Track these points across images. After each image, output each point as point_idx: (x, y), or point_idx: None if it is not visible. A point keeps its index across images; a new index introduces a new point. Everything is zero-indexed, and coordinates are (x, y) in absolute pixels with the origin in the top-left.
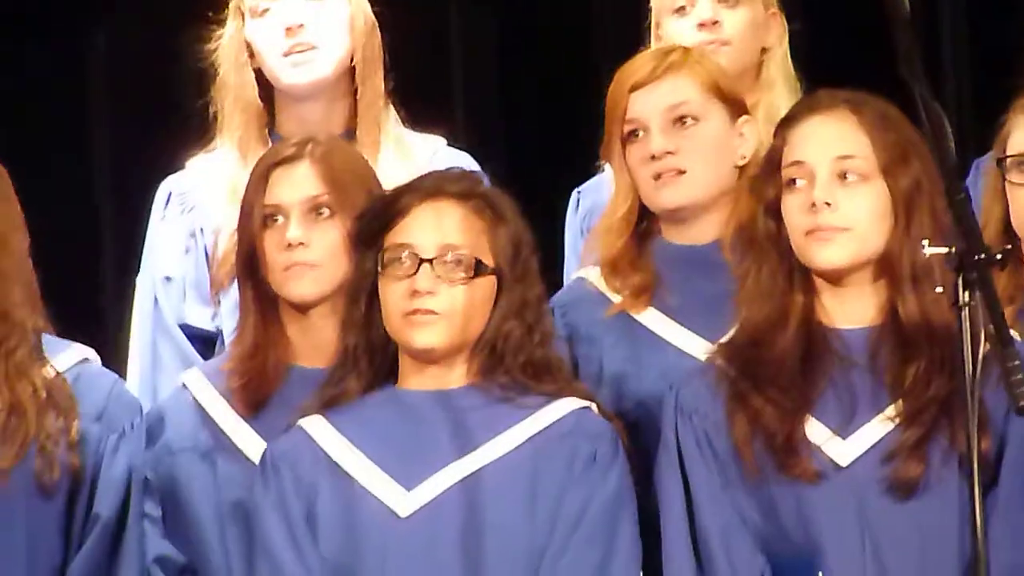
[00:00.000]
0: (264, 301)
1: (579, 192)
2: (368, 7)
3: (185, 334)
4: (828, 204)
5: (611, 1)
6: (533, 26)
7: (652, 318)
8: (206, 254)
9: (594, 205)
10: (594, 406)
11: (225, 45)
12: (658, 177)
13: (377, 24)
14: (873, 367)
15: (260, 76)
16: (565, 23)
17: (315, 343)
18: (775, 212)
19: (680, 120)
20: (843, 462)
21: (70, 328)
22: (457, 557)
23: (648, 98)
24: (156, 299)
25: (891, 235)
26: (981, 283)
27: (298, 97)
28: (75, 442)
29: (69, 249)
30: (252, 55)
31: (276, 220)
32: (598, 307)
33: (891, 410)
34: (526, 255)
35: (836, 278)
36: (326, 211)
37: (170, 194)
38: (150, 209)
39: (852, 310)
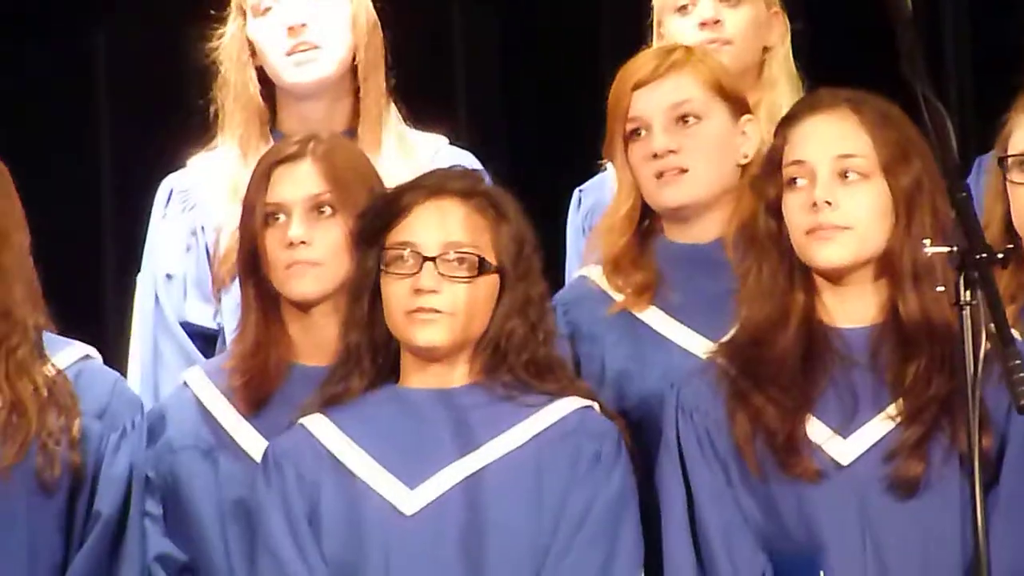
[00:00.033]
0: (266, 299)
1: (581, 191)
2: (370, 5)
3: (186, 332)
4: (829, 203)
5: (612, 0)
6: (534, 26)
7: (654, 317)
8: (207, 252)
9: (596, 204)
10: (596, 405)
11: (227, 43)
12: (660, 176)
13: (379, 22)
14: (874, 366)
15: (262, 74)
16: (567, 23)
17: (317, 341)
18: (776, 211)
19: (682, 119)
20: (844, 461)
21: (71, 327)
22: (461, 555)
23: (651, 97)
24: (157, 297)
25: (892, 234)
26: (983, 282)
27: (300, 96)
28: (76, 440)
29: (70, 248)
30: (254, 53)
31: (278, 218)
32: (600, 305)
33: (892, 409)
34: (528, 253)
35: (837, 277)
36: (328, 209)
37: (171, 192)
38: (151, 208)
39: (853, 309)
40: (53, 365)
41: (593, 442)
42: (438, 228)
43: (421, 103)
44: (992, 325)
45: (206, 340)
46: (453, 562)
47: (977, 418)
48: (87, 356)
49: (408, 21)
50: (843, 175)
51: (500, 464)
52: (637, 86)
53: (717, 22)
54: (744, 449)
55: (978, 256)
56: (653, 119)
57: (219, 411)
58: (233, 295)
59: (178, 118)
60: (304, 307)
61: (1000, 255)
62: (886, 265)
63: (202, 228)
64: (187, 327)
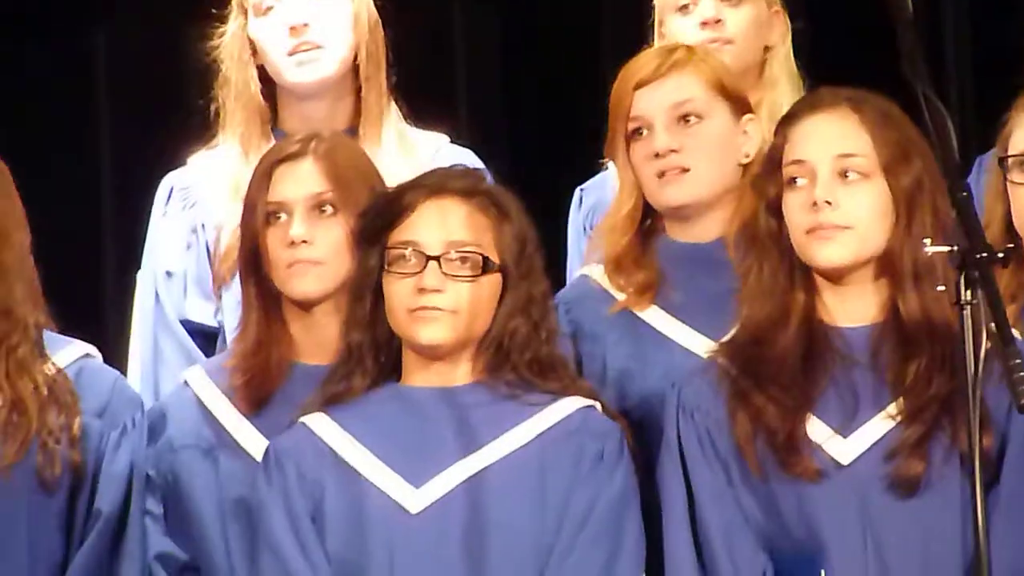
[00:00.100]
0: (267, 298)
1: (582, 190)
2: (371, 4)
3: (186, 329)
4: (829, 203)
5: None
6: (535, 24)
7: (656, 316)
8: (208, 250)
9: (597, 203)
10: (599, 405)
11: (228, 42)
12: (662, 175)
13: (380, 21)
14: (874, 365)
15: (262, 73)
16: (567, 22)
17: (318, 340)
18: (776, 210)
19: (684, 118)
20: (844, 460)
21: (72, 326)
22: (464, 554)
23: (652, 96)
24: (157, 295)
25: (892, 233)
26: (983, 281)
27: (302, 95)
28: (77, 438)
29: (70, 248)
30: (255, 52)
31: (279, 217)
32: (602, 304)
33: (892, 408)
34: (531, 252)
35: (837, 276)
36: (330, 208)
37: (172, 190)
38: (151, 207)
39: (853, 308)
40: (53, 364)
41: (596, 442)
42: (441, 227)
43: (422, 102)
44: (992, 324)
45: (206, 338)
46: (457, 561)
47: (978, 417)
48: (87, 355)
49: (409, 20)
50: (843, 174)
51: (503, 463)
52: (639, 85)
53: (718, 21)
54: (745, 448)
55: (978, 255)
56: (655, 118)
57: (220, 410)
58: (233, 293)
59: (178, 118)
60: (305, 306)
61: (1000, 255)
62: (886, 264)
63: (203, 226)
64: (187, 325)
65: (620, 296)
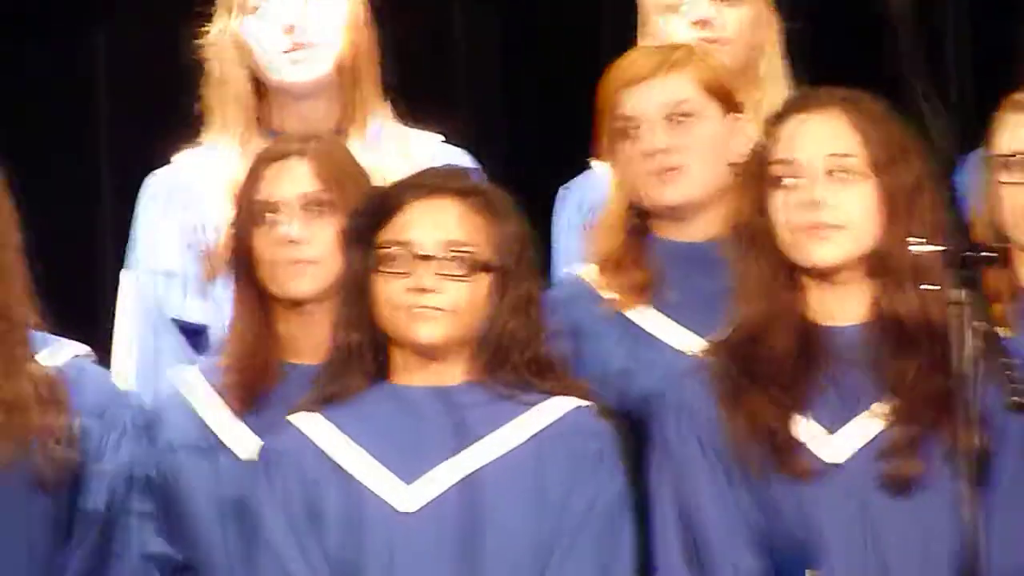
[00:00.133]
0: (258, 298)
1: (566, 188)
2: (364, 2)
3: (181, 329)
4: (821, 202)
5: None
6: (535, 24)
7: (648, 316)
8: (202, 249)
9: (581, 201)
10: (594, 405)
11: (215, 41)
12: (652, 174)
13: (372, 19)
14: (866, 364)
15: (251, 72)
16: (567, 21)
17: (310, 340)
18: (765, 209)
19: (676, 117)
20: (838, 459)
21: (71, 326)
22: (460, 553)
23: (644, 95)
24: (154, 295)
25: (883, 232)
26: (972, 281)
27: (294, 94)
28: (73, 438)
29: (69, 249)
30: (244, 51)
31: (271, 217)
32: (592, 304)
33: (885, 407)
34: (525, 251)
35: (827, 276)
36: (322, 208)
37: (166, 188)
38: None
39: (844, 307)
40: (48, 363)
41: (592, 441)
42: (435, 227)
43: (422, 101)
44: (982, 323)
45: (202, 337)
46: (452, 560)
47: (969, 416)
48: (82, 355)
49: (409, 19)
50: (833, 174)
51: (500, 462)
52: (630, 85)
53: (710, 21)
54: (739, 448)
55: (968, 254)
56: (647, 118)
57: (214, 410)
58: (224, 291)
59: (177, 119)
60: (297, 306)
61: (989, 254)
62: (876, 263)
63: (203, 226)
64: (182, 324)
65: (611, 296)
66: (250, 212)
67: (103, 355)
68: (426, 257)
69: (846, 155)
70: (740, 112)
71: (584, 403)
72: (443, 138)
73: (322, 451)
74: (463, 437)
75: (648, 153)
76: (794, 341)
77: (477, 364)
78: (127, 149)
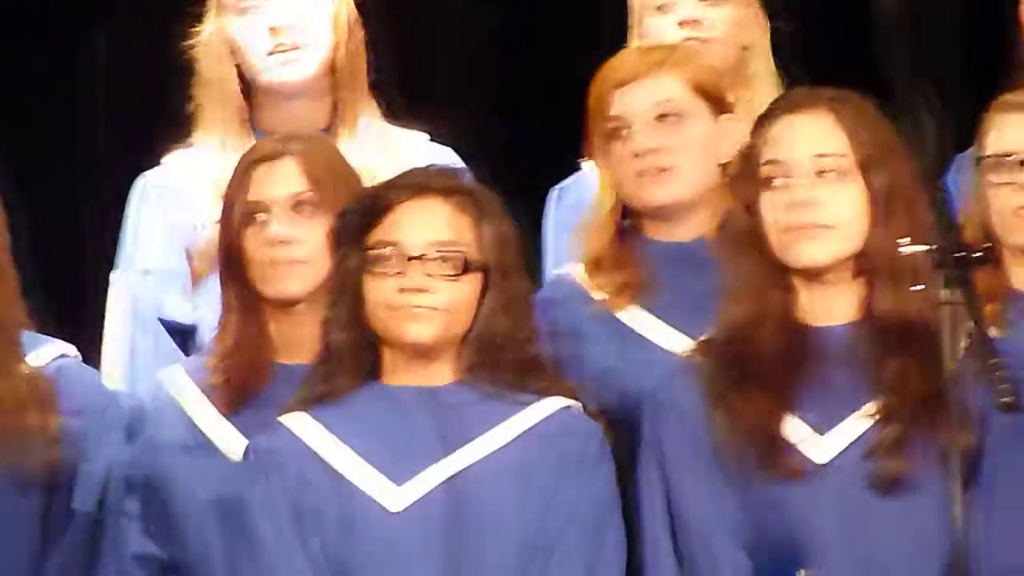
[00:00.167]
0: (246, 298)
1: (559, 189)
2: (351, 3)
3: (171, 329)
4: (809, 202)
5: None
6: (534, 24)
7: (636, 316)
8: (192, 249)
9: (575, 202)
10: (584, 405)
11: (205, 41)
12: (643, 175)
13: (360, 20)
14: (853, 364)
15: (240, 72)
16: (567, 21)
17: (298, 340)
18: (753, 210)
19: (664, 117)
20: (824, 459)
21: (70, 326)
22: (447, 553)
23: (633, 95)
24: (143, 295)
25: (871, 232)
26: (961, 281)
27: (282, 95)
28: (56, 438)
29: (69, 249)
30: (233, 51)
31: (259, 217)
32: (581, 304)
33: (872, 407)
34: (512, 251)
35: (816, 275)
36: (310, 208)
37: (156, 188)
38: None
39: (832, 307)
40: (34, 363)
41: (579, 441)
42: (423, 227)
43: (413, 100)
44: (972, 324)
45: (187, 336)
46: (439, 560)
47: (959, 416)
48: (67, 354)
49: (408, 19)
50: (822, 174)
51: (486, 462)
52: (619, 85)
53: (697, 21)
54: (728, 448)
55: (956, 255)
56: (635, 118)
57: (200, 409)
58: (211, 291)
59: (177, 119)
60: (285, 306)
61: (978, 254)
62: (865, 263)
63: (195, 226)
64: (168, 323)
65: (599, 296)
66: (240, 212)
67: (97, 355)
68: (416, 257)
69: (834, 155)
70: (730, 112)
71: (573, 403)
72: (429, 137)
73: (312, 451)
74: (452, 437)
75: (638, 153)
76: (783, 341)
77: (467, 364)
78: (127, 149)
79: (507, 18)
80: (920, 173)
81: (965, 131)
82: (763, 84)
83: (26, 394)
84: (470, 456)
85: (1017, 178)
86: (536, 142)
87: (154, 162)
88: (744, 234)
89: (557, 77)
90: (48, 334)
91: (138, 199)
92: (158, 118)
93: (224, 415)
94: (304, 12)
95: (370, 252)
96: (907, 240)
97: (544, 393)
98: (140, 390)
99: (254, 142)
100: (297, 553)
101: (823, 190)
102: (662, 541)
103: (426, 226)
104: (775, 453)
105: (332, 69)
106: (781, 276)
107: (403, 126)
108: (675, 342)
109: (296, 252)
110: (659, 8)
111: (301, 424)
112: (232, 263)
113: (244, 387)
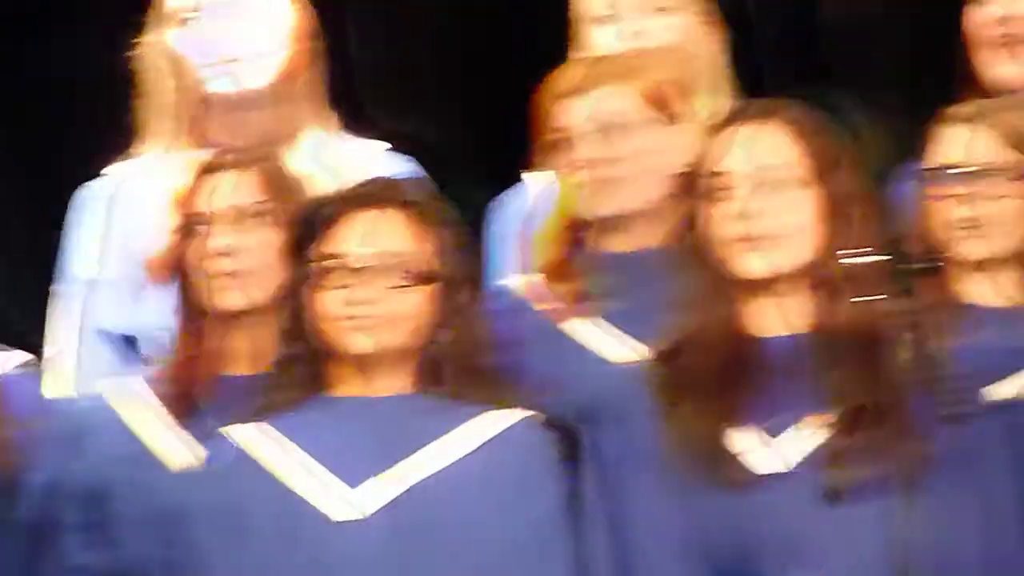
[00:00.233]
0: (192, 309)
1: (500, 200)
2: (303, 14)
3: (112, 338)
4: (755, 213)
5: None
6: (486, 34)
7: (587, 326)
8: (135, 259)
9: (514, 213)
10: (530, 415)
11: (148, 52)
12: (589, 186)
13: (313, 30)
14: (801, 375)
15: (187, 83)
16: (516, 32)
17: (247, 351)
18: (701, 221)
19: (613, 128)
20: (772, 470)
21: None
22: (398, 566)
23: (579, 106)
24: (86, 305)
25: (819, 243)
26: (909, 292)
27: (229, 105)
28: (3, 449)
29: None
30: (176, 62)
31: (206, 228)
32: (531, 315)
33: (819, 418)
34: (460, 261)
35: (763, 286)
36: (256, 219)
37: (98, 199)
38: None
39: (780, 318)
40: None
41: (532, 453)
42: (368, 238)
43: (380, 105)
44: (918, 334)
45: (130, 345)
46: (389, 572)
47: (906, 426)
48: (27, 363)
49: (373, 22)
50: (769, 185)
51: (441, 475)
52: (566, 96)
53: (642, 32)
54: (675, 459)
55: (903, 266)
56: (582, 129)
57: (144, 420)
58: (161, 300)
59: (123, 129)
60: (234, 317)
61: (924, 265)
62: (812, 274)
63: (130, 235)
64: (112, 333)
65: (549, 306)
66: (184, 224)
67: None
68: (362, 269)
69: (781, 166)
70: (678, 123)
71: (524, 414)
72: (389, 146)
73: (257, 462)
74: (401, 449)
75: (584, 164)
76: (730, 352)
77: (416, 375)
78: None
79: (460, 28)
80: (868, 183)
81: (914, 142)
82: (713, 94)
83: None
84: (420, 469)
85: (964, 190)
86: (490, 153)
87: (98, 172)
88: (693, 246)
89: (508, 87)
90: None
91: (80, 209)
92: (105, 128)
93: (171, 426)
94: (250, 24)
95: (317, 264)
96: (854, 251)
97: (494, 404)
98: (83, 400)
99: (202, 153)
100: (244, 565)
101: (770, 202)
102: (608, 554)
103: (372, 238)
104: (722, 463)
105: (282, 80)
106: (729, 287)
107: (362, 136)
108: (623, 352)
109: (242, 263)
110: (604, 18)
111: (247, 435)
112: (181, 275)
113: (192, 398)
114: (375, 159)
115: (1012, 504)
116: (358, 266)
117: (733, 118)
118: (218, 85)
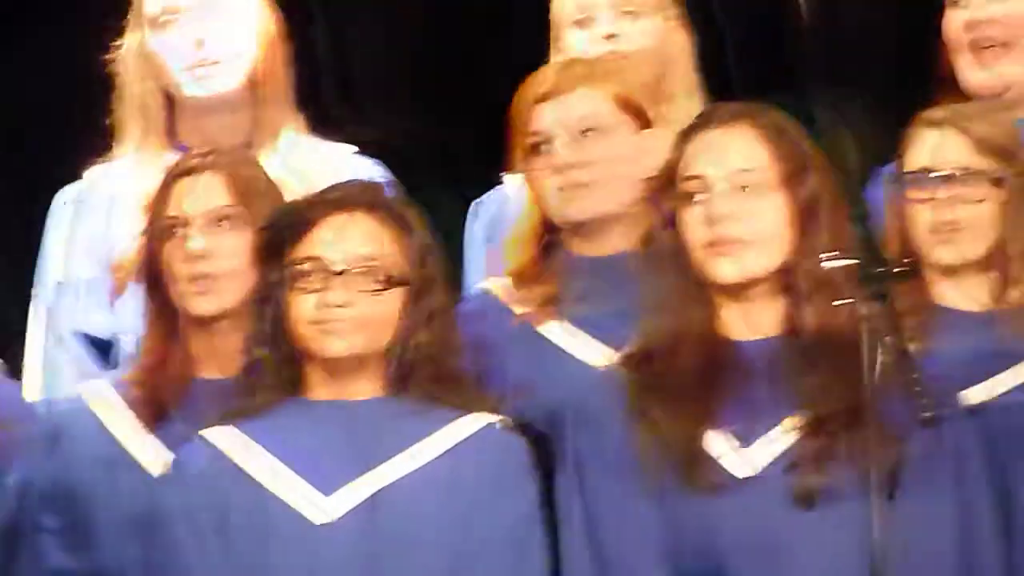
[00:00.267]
0: (167, 312)
1: (478, 203)
2: (274, 17)
3: (86, 341)
4: (727, 217)
5: None
6: (462, 37)
7: (557, 329)
8: (105, 263)
9: (494, 217)
10: (502, 420)
11: (125, 55)
12: (563, 189)
13: (282, 33)
14: (775, 379)
15: (160, 86)
16: (493, 35)
17: (219, 354)
18: (674, 225)
19: (585, 132)
20: (745, 473)
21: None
22: (371, 568)
23: (554, 110)
24: (61, 308)
25: (792, 247)
26: (882, 295)
27: (203, 108)
28: None
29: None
30: (153, 65)
31: (179, 231)
32: (503, 318)
33: (793, 421)
34: (434, 265)
35: (737, 290)
36: (230, 222)
37: (75, 203)
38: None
39: (753, 322)
40: None
41: (503, 457)
42: (343, 242)
43: (349, 108)
44: (892, 338)
45: (104, 349)
46: (362, 574)
47: (879, 430)
48: None
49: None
50: (741, 189)
51: (409, 479)
52: (541, 100)
53: (616, 35)
54: (648, 462)
55: (877, 270)
56: (556, 133)
57: (120, 424)
58: (134, 304)
59: (101, 131)
60: (206, 320)
61: (899, 269)
62: (787, 278)
63: (106, 238)
64: (87, 336)
65: (520, 310)
66: (160, 227)
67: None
68: (336, 273)
69: (753, 170)
70: (651, 127)
71: (495, 418)
72: (356, 149)
73: (233, 465)
74: (374, 452)
75: (558, 168)
76: (704, 356)
77: (388, 378)
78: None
79: (436, 31)
80: (841, 188)
81: (890, 145)
82: (686, 98)
83: None
84: (393, 472)
85: (937, 194)
86: (464, 155)
87: (76, 176)
88: (665, 250)
89: (485, 91)
90: None
91: (57, 213)
92: (82, 131)
93: (144, 429)
94: (224, 27)
95: (292, 268)
96: (829, 255)
97: (466, 408)
98: (59, 403)
99: (175, 155)
100: (218, 569)
101: (744, 205)
102: (581, 555)
103: (347, 241)
104: (696, 467)
105: (254, 83)
106: (702, 291)
107: (330, 139)
108: (597, 356)
109: (215, 267)
110: (579, 22)
111: (222, 438)
112: (153, 277)
113: (164, 401)
114: (343, 162)
115: (986, 507)
116: (334, 269)
117: (707, 122)
118: (192, 88)
